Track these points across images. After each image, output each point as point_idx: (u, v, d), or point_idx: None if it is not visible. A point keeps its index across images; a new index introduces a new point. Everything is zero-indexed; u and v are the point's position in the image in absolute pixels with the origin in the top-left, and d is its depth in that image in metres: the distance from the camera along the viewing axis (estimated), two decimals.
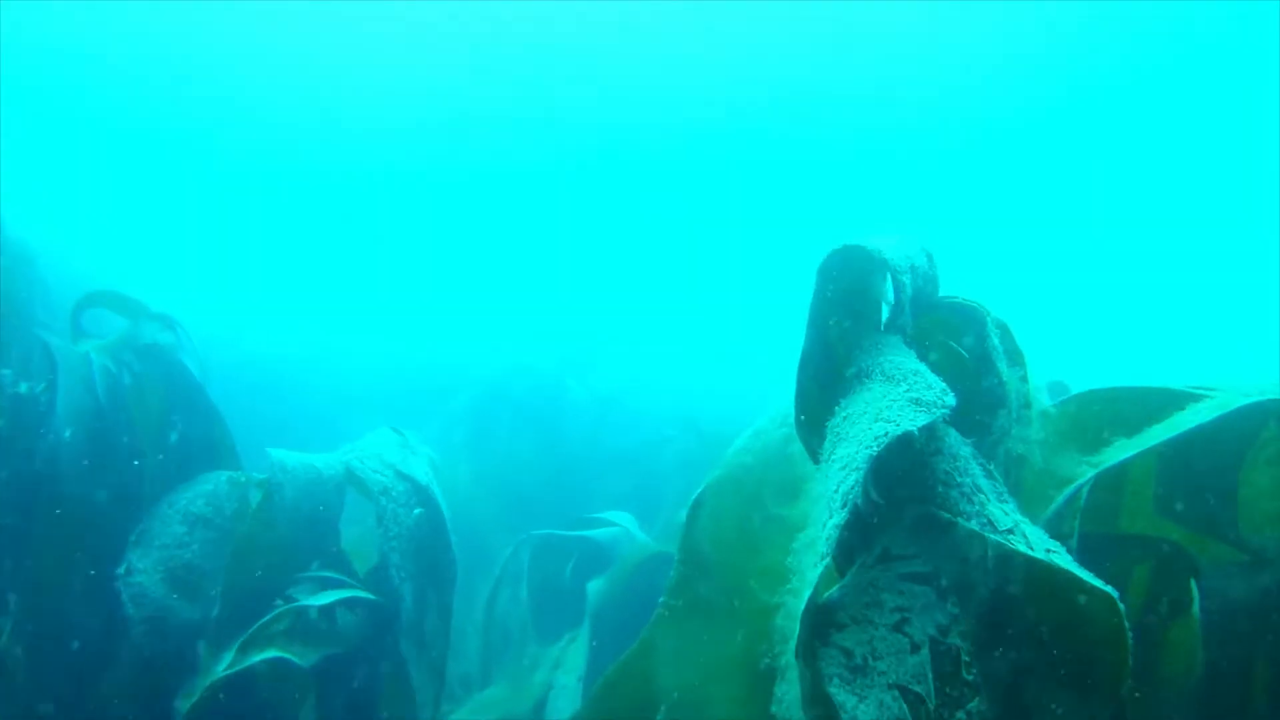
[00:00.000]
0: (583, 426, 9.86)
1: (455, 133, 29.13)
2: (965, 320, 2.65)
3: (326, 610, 4.29)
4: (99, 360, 4.65)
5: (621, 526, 6.23)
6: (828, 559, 1.95)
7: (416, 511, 4.29)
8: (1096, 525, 2.57)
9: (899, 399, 2.14)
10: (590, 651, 5.34)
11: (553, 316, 13.10)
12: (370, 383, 12.09)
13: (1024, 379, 2.71)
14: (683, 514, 6.50)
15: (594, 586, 6.02)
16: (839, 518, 1.91)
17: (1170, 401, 2.55)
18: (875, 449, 1.96)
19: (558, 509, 9.30)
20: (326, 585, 4.04)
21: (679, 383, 11.79)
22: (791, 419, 2.59)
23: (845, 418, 2.24)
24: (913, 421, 2.02)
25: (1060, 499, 2.48)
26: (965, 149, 29.11)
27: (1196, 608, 2.37)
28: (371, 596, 4.03)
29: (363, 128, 28.99)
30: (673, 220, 34.32)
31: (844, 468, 2.02)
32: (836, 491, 1.98)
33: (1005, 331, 2.73)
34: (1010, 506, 2.21)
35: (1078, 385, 3.75)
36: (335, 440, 5.19)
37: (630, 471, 9.52)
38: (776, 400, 3.11)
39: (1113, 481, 2.59)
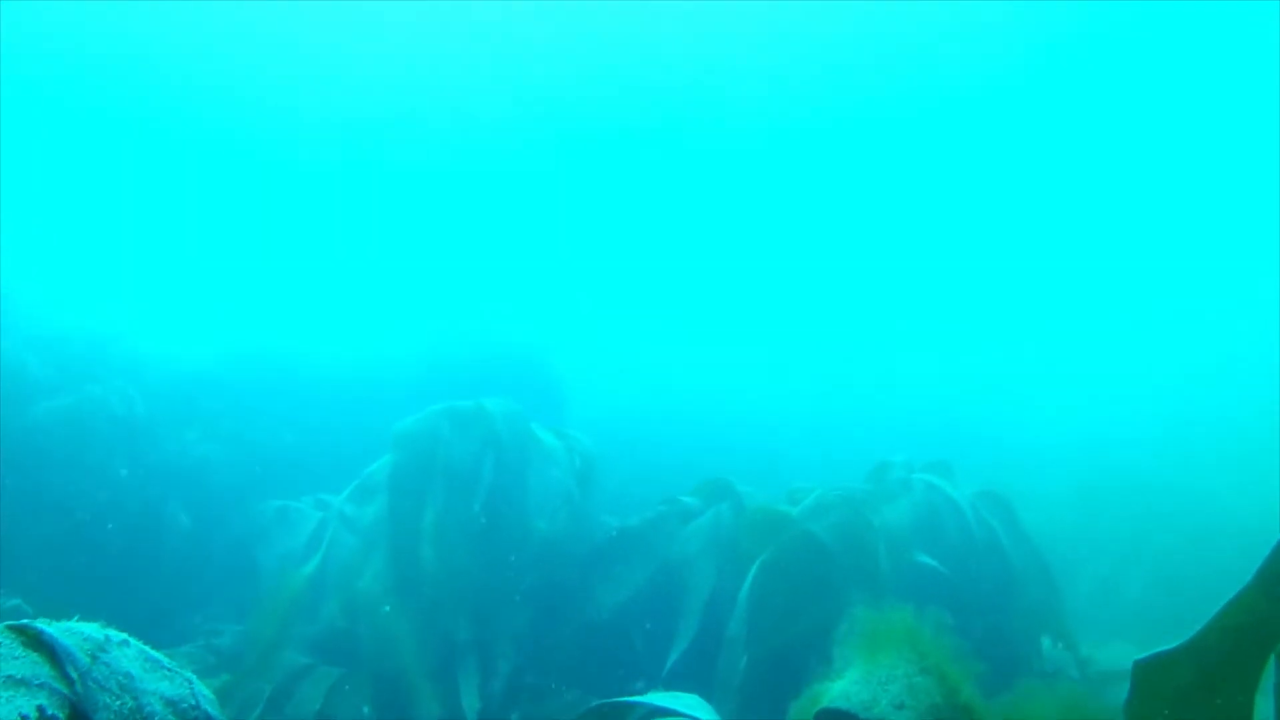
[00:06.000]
0: (556, 498, 6.55)
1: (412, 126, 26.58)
2: None
3: None
4: None
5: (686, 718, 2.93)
6: None
7: None
8: None
9: None
10: None
11: (512, 345, 9.55)
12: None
13: None
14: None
15: None
16: None
17: None
18: None
19: (524, 636, 5.95)
20: None
21: (692, 429, 8.38)
22: None
23: None
24: None
25: None
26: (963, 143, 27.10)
27: None
28: None
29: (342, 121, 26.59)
30: (670, 220, 31.35)
31: None
32: None
33: None
34: None
35: None
36: None
37: (634, 563, 6.20)
38: None
39: None
